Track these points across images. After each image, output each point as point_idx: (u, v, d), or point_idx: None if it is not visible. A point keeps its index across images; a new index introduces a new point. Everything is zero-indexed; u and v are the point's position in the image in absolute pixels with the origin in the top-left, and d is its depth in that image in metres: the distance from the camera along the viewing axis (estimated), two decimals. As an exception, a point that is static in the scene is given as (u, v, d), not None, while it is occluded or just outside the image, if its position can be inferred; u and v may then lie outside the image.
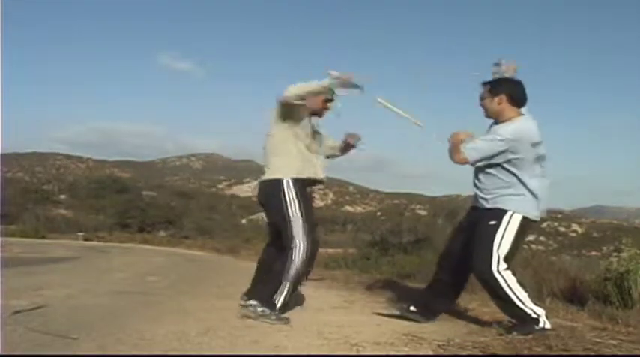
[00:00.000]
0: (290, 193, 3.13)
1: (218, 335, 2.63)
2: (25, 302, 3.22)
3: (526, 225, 2.98)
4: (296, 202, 3.12)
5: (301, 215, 3.11)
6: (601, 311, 3.83)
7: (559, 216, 56.02)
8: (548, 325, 2.87)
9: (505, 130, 2.95)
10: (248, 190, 64.37)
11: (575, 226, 51.62)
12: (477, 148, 2.96)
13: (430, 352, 2.50)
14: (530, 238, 48.18)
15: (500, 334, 2.83)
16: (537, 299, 4.68)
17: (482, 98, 3.10)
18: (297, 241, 3.09)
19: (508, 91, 3.01)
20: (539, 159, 3.00)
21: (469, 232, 3.09)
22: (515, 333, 2.79)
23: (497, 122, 3.06)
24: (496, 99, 3.02)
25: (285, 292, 3.07)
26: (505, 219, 2.93)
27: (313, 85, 3.07)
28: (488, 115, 3.11)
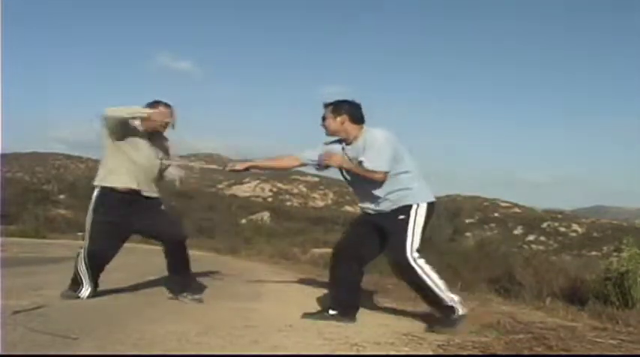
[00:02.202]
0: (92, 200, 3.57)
1: (218, 335, 2.63)
2: (25, 302, 3.21)
3: (431, 210, 3.24)
4: (91, 211, 3.55)
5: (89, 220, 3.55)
6: (601, 311, 3.83)
7: (559, 216, 55.99)
8: (462, 312, 3.06)
9: (379, 135, 3.21)
10: (248, 190, 64.42)
11: (575, 226, 51.53)
12: (381, 158, 3.15)
13: (430, 352, 2.50)
14: (531, 238, 48.21)
15: (430, 331, 2.98)
16: (537, 299, 4.70)
17: (324, 118, 3.35)
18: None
19: (349, 112, 3.28)
20: (408, 150, 3.32)
21: (365, 228, 3.34)
22: (438, 327, 2.97)
23: (346, 141, 3.31)
24: (338, 119, 3.28)
25: (84, 276, 3.54)
26: (412, 211, 3.17)
27: (134, 110, 3.47)
28: (330, 135, 3.37)
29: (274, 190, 65.78)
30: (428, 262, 3.13)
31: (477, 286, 5.76)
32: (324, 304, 3.74)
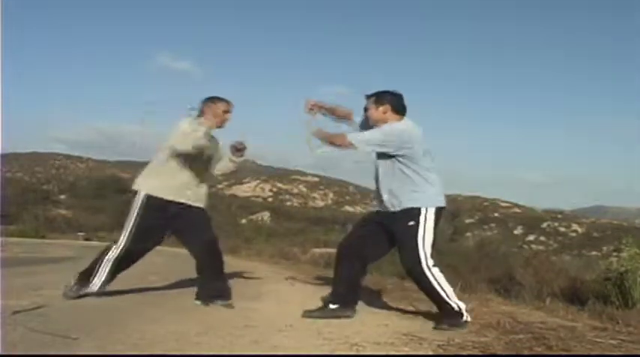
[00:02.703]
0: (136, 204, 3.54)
1: (218, 335, 2.63)
2: (25, 302, 3.21)
3: (439, 214, 3.22)
4: (135, 212, 3.53)
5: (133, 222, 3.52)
6: (601, 311, 3.83)
7: (559, 216, 55.97)
8: (469, 319, 3.12)
9: (398, 124, 3.26)
10: (248, 190, 64.43)
11: (575, 226, 51.52)
12: (367, 134, 3.22)
13: (430, 352, 2.49)
14: (531, 238, 48.22)
15: (435, 328, 3.06)
16: (537, 299, 4.70)
17: (366, 109, 3.39)
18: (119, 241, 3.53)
19: (391, 102, 3.31)
20: (428, 152, 3.27)
21: (371, 228, 3.36)
22: (444, 325, 3.04)
23: None
24: (381, 109, 3.31)
25: (100, 274, 3.51)
26: (421, 217, 3.15)
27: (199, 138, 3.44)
28: (372, 125, 3.38)
29: (274, 190, 65.84)
30: (440, 269, 3.15)
31: (477, 286, 5.75)
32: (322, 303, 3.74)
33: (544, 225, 51.73)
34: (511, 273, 5.93)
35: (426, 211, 3.16)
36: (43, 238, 20.92)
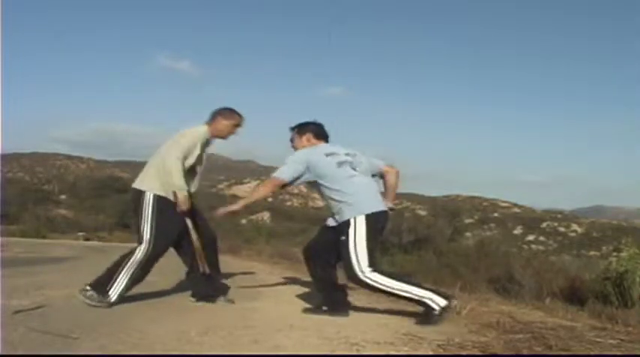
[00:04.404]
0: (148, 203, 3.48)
1: (218, 335, 2.63)
2: (26, 302, 3.22)
3: (374, 220, 3.28)
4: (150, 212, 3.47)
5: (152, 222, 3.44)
6: (601, 311, 3.84)
7: (559, 216, 56.02)
8: (443, 303, 3.10)
9: (298, 152, 3.47)
10: (248, 190, 64.37)
11: (575, 226, 51.52)
12: (281, 170, 3.38)
13: (430, 352, 2.50)
14: (530, 238, 48.21)
15: (418, 324, 3.07)
16: (537, 299, 4.70)
17: (292, 140, 3.61)
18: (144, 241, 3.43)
19: (313, 131, 3.55)
20: (344, 163, 3.37)
21: (328, 236, 3.43)
22: (420, 324, 3.06)
23: None
24: (304, 138, 3.55)
25: (119, 283, 3.34)
26: (351, 229, 3.24)
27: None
28: None
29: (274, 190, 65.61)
30: (383, 271, 3.24)
31: (477, 285, 5.76)
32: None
33: (544, 225, 51.74)
34: (511, 273, 5.94)
35: (355, 221, 3.24)
36: (43, 238, 20.91)
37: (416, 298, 3.16)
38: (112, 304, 3.29)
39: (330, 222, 3.44)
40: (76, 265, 7.22)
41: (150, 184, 3.54)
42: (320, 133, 3.58)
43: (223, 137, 3.72)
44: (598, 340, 2.80)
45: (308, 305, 3.59)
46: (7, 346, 2.18)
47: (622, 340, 2.84)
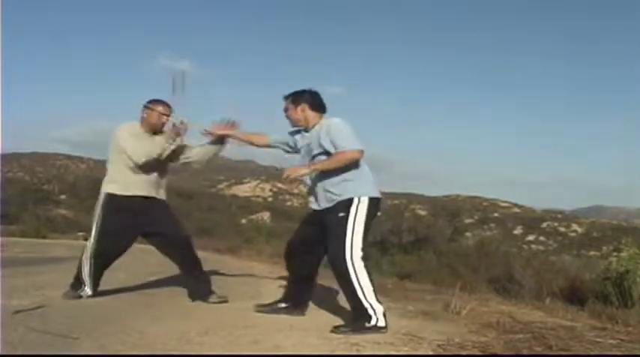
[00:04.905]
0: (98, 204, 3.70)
1: (218, 335, 2.63)
2: (26, 302, 3.22)
3: (375, 206, 3.13)
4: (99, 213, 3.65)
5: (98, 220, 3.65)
6: (601, 311, 3.84)
7: (559, 216, 55.95)
8: (382, 324, 2.91)
9: (339, 120, 3.19)
10: (248, 190, 64.40)
11: (575, 226, 51.48)
12: (351, 137, 3.11)
13: (430, 352, 2.50)
14: (530, 238, 48.15)
15: (333, 331, 2.83)
16: (537, 299, 4.70)
17: (286, 110, 3.39)
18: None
19: (308, 100, 3.31)
20: None
21: (314, 228, 3.25)
22: (347, 328, 2.88)
23: (306, 129, 3.33)
24: (299, 108, 3.31)
25: (85, 276, 3.62)
26: (352, 207, 3.06)
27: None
28: (294, 125, 3.41)
29: (274, 190, 65.76)
30: (367, 266, 3.01)
31: (477, 285, 5.76)
32: (321, 303, 3.75)
33: (544, 225, 51.69)
34: (511, 273, 5.94)
35: (359, 200, 3.07)
36: (43, 238, 20.90)
37: (366, 304, 2.93)
38: (90, 295, 3.57)
39: (318, 203, 3.23)
40: (76, 265, 7.21)
41: (106, 184, 3.67)
42: (316, 103, 3.32)
43: (159, 130, 3.67)
44: (598, 340, 2.81)
45: (308, 308, 3.58)
46: (7, 346, 2.18)
47: (622, 340, 2.84)
